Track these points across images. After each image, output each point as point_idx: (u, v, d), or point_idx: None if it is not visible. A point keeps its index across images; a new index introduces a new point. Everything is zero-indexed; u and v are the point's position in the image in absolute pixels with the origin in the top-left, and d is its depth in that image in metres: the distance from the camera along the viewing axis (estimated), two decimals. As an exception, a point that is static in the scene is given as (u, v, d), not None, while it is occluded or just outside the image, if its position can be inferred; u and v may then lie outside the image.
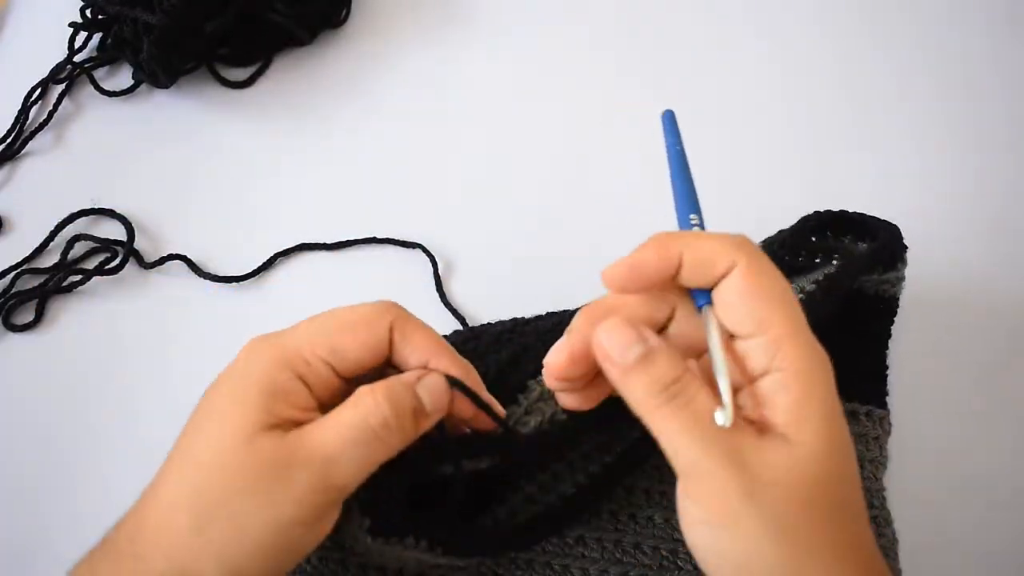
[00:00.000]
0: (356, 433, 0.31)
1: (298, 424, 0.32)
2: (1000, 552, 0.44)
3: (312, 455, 0.31)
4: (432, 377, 0.34)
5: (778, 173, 0.57)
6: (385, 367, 0.35)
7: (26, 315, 0.52)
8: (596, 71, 0.62)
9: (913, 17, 0.64)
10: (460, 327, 0.50)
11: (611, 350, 0.31)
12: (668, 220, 0.54)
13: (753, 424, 0.30)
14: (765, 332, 0.30)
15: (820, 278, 0.41)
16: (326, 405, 0.33)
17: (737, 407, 0.30)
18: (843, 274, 0.41)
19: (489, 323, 0.47)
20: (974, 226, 0.54)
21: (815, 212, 0.45)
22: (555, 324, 0.44)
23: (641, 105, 0.60)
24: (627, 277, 0.32)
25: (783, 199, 0.55)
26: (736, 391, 0.30)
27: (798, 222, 0.45)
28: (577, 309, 0.46)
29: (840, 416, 0.30)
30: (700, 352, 0.33)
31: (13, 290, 0.52)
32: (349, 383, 0.34)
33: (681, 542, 0.41)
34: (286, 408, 0.32)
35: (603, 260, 0.51)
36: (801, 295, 0.41)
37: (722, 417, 0.29)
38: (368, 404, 0.31)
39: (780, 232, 0.45)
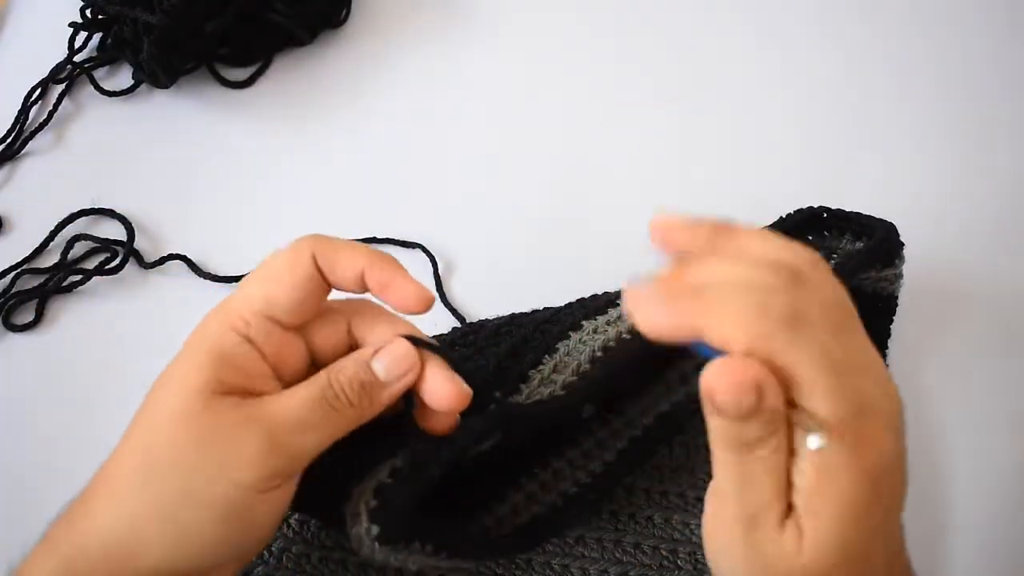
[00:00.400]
0: (311, 404, 0.31)
1: (258, 393, 0.32)
2: (1004, 552, 0.44)
3: (265, 419, 0.31)
4: (393, 345, 0.33)
5: (778, 171, 0.57)
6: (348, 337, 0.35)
7: (26, 315, 0.52)
8: (596, 70, 0.62)
9: (914, 16, 0.64)
10: (460, 326, 0.50)
11: (724, 391, 0.26)
12: (668, 220, 0.54)
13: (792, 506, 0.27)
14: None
15: None
16: (286, 377, 0.33)
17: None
18: (841, 272, 0.41)
19: (486, 319, 0.47)
20: (975, 225, 0.54)
21: (799, 209, 0.44)
22: (552, 315, 0.44)
23: (642, 104, 0.60)
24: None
25: (783, 197, 0.55)
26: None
27: (781, 220, 0.45)
28: (573, 302, 0.46)
29: (866, 515, 0.26)
30: None
31: (13, 290, 0.52)
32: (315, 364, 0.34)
33: (680, 542, 0.41)
34: (238, 375, 0.32)
35: (603, 260, 0.52)
36: None
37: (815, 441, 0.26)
38: (322, 378, 0.32)
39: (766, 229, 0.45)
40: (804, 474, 0.26)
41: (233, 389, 0.31)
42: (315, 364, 0.34)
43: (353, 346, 0.35)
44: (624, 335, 0.40)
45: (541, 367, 0.40)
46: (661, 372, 0.42)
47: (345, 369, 0.33)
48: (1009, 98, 0.60)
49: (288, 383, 0.33)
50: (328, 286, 0.34)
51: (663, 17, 0.65)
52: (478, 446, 0.35)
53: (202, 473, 0.30)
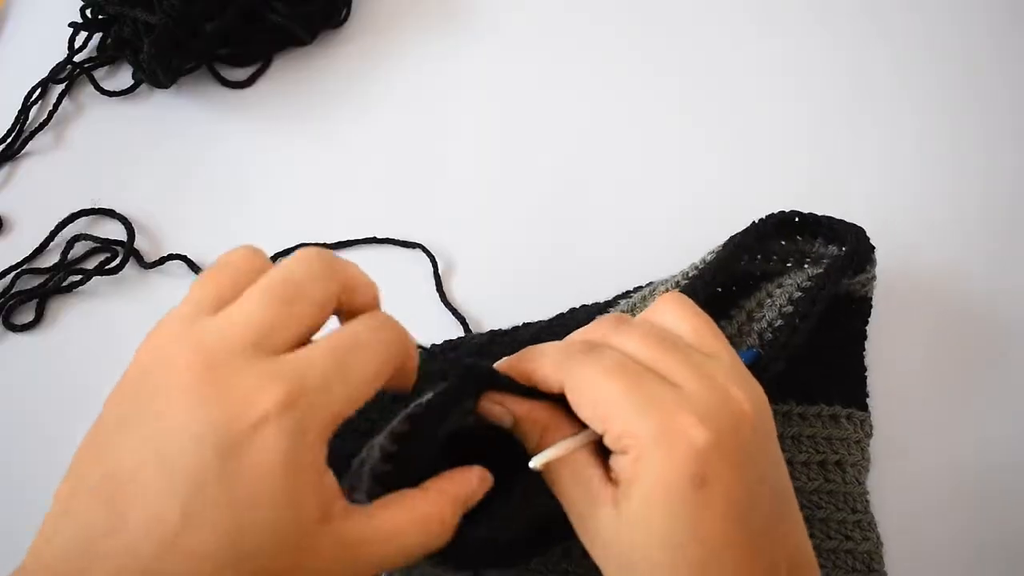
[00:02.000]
0: (406, 555, 0.30)
1: (329, 499, 0.28)
2: (986, 554, 0.44)
3: (359, 565, 0.29)
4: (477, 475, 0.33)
5: (779, 171, 0.57)
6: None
7: (26, 315, 0.52)
8: (597, 70, 0.62)
9: (915, 16, 0.64)
10: (461, 328, 0.50)
11: (493, 419, 0.34)
12: (668, 220, 0.54)
13: (608, 488, 0.31)
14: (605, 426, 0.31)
15: (805, 284, 0.42)
16: None
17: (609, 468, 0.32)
18: (816, 293, 0.42)
19: (467, 335, 0.47)
20: (968, 224, 0.54)
21: (771, 214, 0.45)
22: (533, 335, 0.45)
23: (643, 104, 0.60)
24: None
25: (784, 197, 0.55)
26: None
27: (754, 224, 0.45)
28: (568, 312, 0.46)
29: (681, 501, 0.29)
30: None
31: (13, 290, 0.52)
32: None
33: None
34: (324, 484, 0.28)
35: (604, 259, 0.52)
36: (788, 306, 0.41)
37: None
38: (433, 531, 0.30)
39: (733, 237, 0.44)
40: (620, 465, 0.31)
41: (323, 494, 0.28)
42: None
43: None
44: None
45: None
46: None
47: (457, 515, 0.32)
48: (1010, 98, 0.59)
49: None
50: None
51: (663, 17, 0.65)
52: (456, 403, 0.34)
53: None
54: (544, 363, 0.33)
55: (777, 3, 0.65)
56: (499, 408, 0.34)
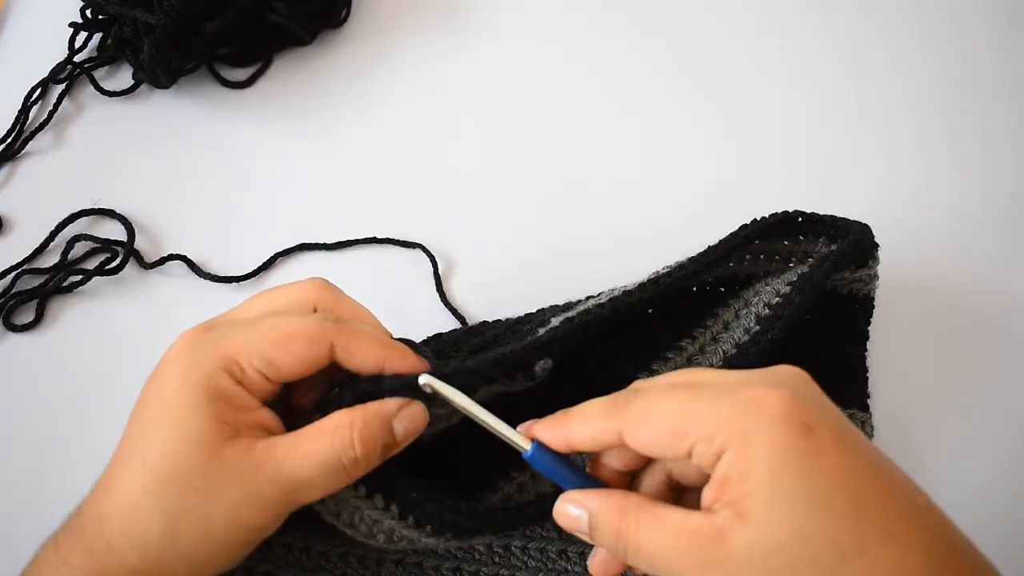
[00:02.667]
0: (327, 465, 0.33)
1: (257, 425, 0.33)
2: (988, 555, 0.44)
3: (281, 475, 0.32)
4: (413, 408, 0.34)
5: (779, 171, 0.57)
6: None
7: (26, 315, 0.52)
8: (597, 70, 0.62)
9: (915, 16, 0.64)
10: (459, 327, 0.50)
11: (570, 528, 0.33)
12: (668, 220, 0.54)
13: (724, 511, 0.29)
14: (682, 442, 0.30)
15: (794, 279, 0.41)
16: (267, 398, 0.34)
17: (705, 509, 0.30)
18: (815, 272, 0.41)
19: (441, 332, 0.47)
20: (969, 224, 0.54)
21: (774, 213, 0.44)
22: (516, 320, 0.45)
23: (643, 104, 0.60)
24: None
25: (784, 197, 0.55)
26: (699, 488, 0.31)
27: (754, 222, 0.44)
28: (536, 311, 0.46)
29: (800, 440, 0.29)
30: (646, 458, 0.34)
31: (13, 290, 0.52)
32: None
33: None
34: (233, 411, 0.33)
35: (604, 260, 0.52)
36: (777, 298, 0.41)
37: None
38: (344, 439, 0.33)
39: (724, 240, 0.44)
40: (723, 472, 0.29)
41: (234, 427, 0.33)
42: (269, 379, 0.34)
43: (314, 364, 0.35)
44: (583, 309, 0.41)
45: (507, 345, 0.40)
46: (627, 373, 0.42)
47: (371, 427, 0.33)
48: (1010, 97, 0.59)
49: (258, 395, 0.34)
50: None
51: (663, 17, 0.65)
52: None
53: (220, 521, 0.32)
54: (591, 419, 0.32)
55: (777, 3, 0.65)
56: (572, 506, 0.33)
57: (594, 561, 0.34)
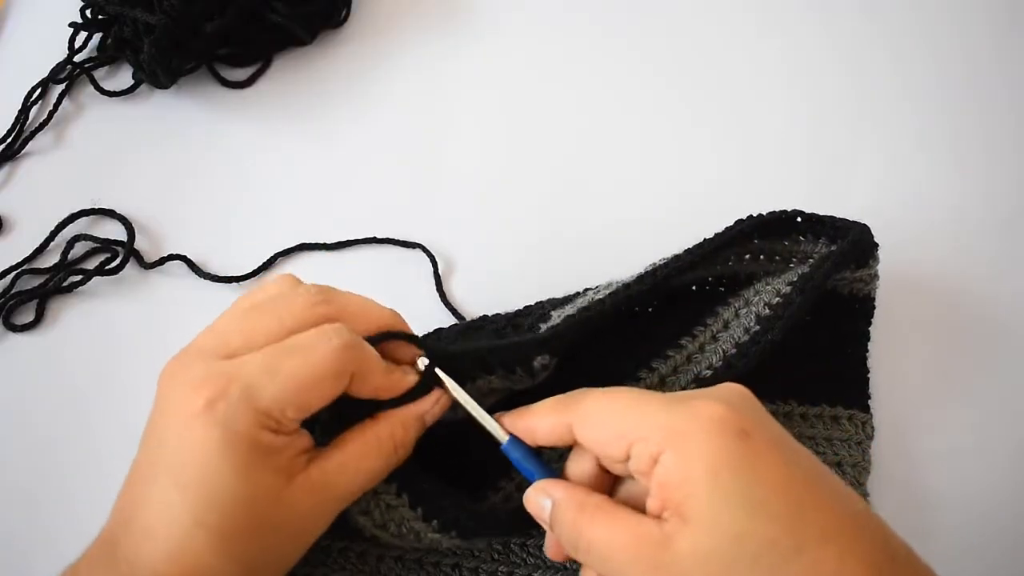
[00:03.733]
0: (376, 476, 0.35)
1: (300, 450, 0.34)
2: (988, 556, 0.44)
3: (337, 495, 0.35)
4: (443, 399, 0.37)
5: (779, 171, 0.57)
6: None
7: (26, 315, 0.52)
8: (597, 70, 0.62)
9: (915, 16, 0.64)
10: (461, 322, 0.50)
11: (535, 514, 0.35)
12: (668, 220, 0.54)
13: (671, 517, 0.30)
14: (628, 445, 0.32)
15: (795, 279, 0.41)
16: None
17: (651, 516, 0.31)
18: (815, 272, 0.41)
19: (441, 328, 0.46)
20: (969, 224, 0.54)
21: (772, 211, 0.44)
22: (517, 313, 0.45)
23: (643, 104, 0.60)
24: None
25: (784, 197, 0.55)
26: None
27: (751, 218, 0.44)
28: (535, 304, 0.46)
29: (738, 443, 0.30)
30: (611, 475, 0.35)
31: (13, 290, 0.52)
32: None
33: None
34: (279, 457, 0.33)
35: (603, 259, 0.52)
36: (778, 298, 0.41)
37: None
38: (387, 449, 0.35)
39: (716, 235, 0.44)
40: (664, 477, 0.30)
41: (288, 471, 0.33)
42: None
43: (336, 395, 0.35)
44: (583, 305, 0.41)
45: (508, 339, 0.41)
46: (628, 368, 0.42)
47: (410, 432, 0.36)
48: (1010, 97, 0.59)
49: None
50: None
51: (663, 17, 0.65)
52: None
53: (289, 548, 0.34)
54: (546, 414, 0.35)
55: (777, 3, 0.65)
56: (538, 493, 0.34)
57: (548, 543, 0.36)
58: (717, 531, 0.28)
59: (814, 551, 0.28)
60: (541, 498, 0.34)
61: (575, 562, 0.39)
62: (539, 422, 0.35)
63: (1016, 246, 0.53)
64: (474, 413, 0.36)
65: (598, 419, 0.33)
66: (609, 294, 0.41)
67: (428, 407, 0.36)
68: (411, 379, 0.36)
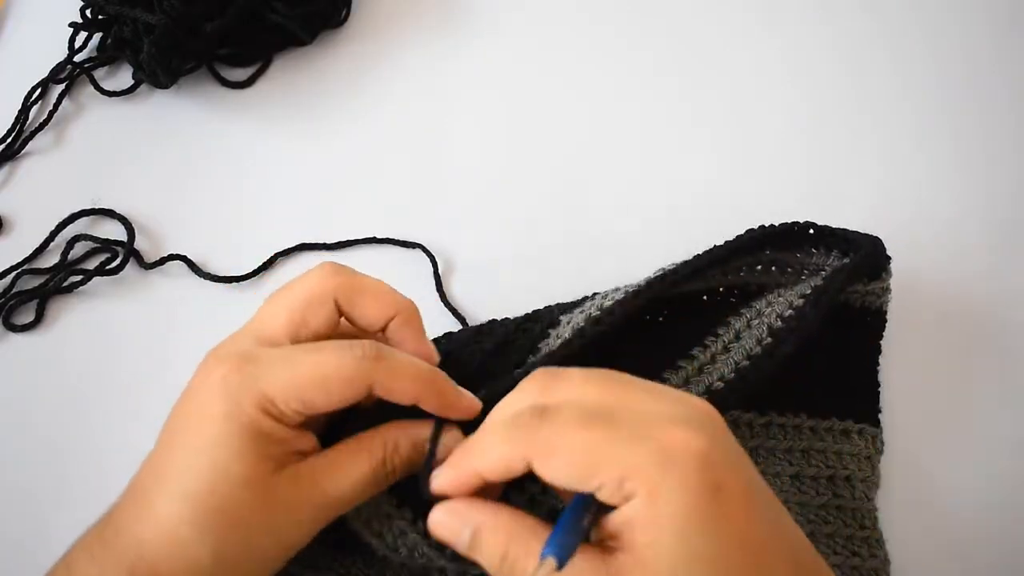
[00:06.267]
0: (364, 485, 0.34)
1: (298, 452, 0.34)
2: (999, 573, 0.43)
3: (324, 498, 0.34)
4: (450, 438, 0.35)
5: (779, 174, 0.57)
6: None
7: (26, 315, 0.52)
8: (597, 70, 0.62)
9: (915, 17, 0.64)
10: (461, 327, 0.50)
11: (446, 541, 0.32)
12: (668, 220, 0.54)
13: (624, 555, 0.29)
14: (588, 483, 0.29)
15: (807, 291, 0.41)
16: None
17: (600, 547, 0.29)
18: (828, 285, 0.41)
19: (451, 332, 0.46)
20: (974, 235, 0.53)
21: (784, 223, 0.44)
22: (525, 318, 0.45)
23: (643, 104, 0.60)
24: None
25: (784, 196, 0.55)
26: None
27: (763, 228, 0.44)
28: (543, 309, 0.46)
29: (710, 502, 0.28)
30: None
31: (13, 290, 0.52)
32: None
33: None
34: (277, 447, 0.33)
35: (603, 259, 0.52)
36: (790, 310, 0.41)
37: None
38: (376, 456, 0.34)
39: (717, 247, 0.44)
40: (627, 516, 0.28)
41: (279, 461, 0.33)
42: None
43: (351, 401, 0.35)
44: (593, 314, 0.40)
45: (526, 366, 0.40)
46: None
47: (401, 450, 0.35)
48: (1010, 98, 0.59)
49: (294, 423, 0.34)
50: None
51: (663, 17, 0.65)
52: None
53: (266, 542, 0.33)
54: (495, 446, 0.31)
55: (778, 3, 0.65)
56: (453, 518, 0.31)
57: (441, 479, 0.33)
58: (688, 569, 0.28)
59: None
60: (456, 523, 0.31)
61: None
62: (488, 458, 0.31)
63: (1018, 249, 0.53)
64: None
65: (564, 456, 0.29)
66: (618, 302, 0.41)
67: (425, 435, 0.35)
68: (450, 390, 0.35)
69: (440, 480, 0.32)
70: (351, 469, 0.34)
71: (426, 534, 0.34)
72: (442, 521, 0.32)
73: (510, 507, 0.31)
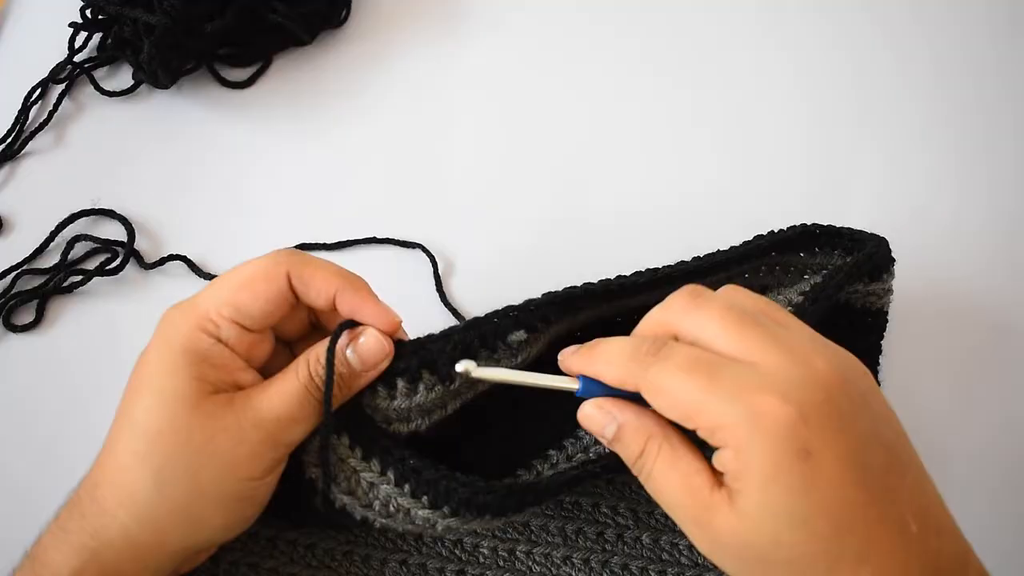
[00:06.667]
0: (297, 399, 0.35)
1: (238, 386, 0.35)
2: (1005, 564, 0.43)
3: (261, 417, 0.34)
4: (366, 338, 0.36)
5: (779, 175, 0.57)
6: (310, 314, 0.39)
7: (26, 315, 0.52)
8: (596, 71, 0.62)
9: (916, 18, 0.64)
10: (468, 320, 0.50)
11: (593, 431, 0.34)
12: (668, 220, 0.54)
13: (722, 490, 0.31)
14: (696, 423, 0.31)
15: (807, 289, 0.41)
16: (261, 363, 0.37)
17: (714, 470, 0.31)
18: (828, 283, 0.41)
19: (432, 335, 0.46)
20: (974, 235, 0.54)
21: (792, 226, 0.44)
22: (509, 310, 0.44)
23: (643, 104, 0.60)
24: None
25: (784, 196, 0.55)
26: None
27: (771, 234, 0.44)
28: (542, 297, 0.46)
29: (788, 473, 0.29)
30: None
31: (13, 290, 0.52)
32: (287, 342, 0.39)
33: (669, 563, 0.42)
34: (214, 371, 0.34)
35: (603, 259, 0.52)
36: (790, 308, 0.41)
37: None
38: (302, 371, 0.35)
39: (732, 248, 0.44)
40: (722, 462, 0.30)
41: (215, 385, 0.34)
42: (246, 327, 0.36)
43: (315, 323, 0.38)
44: (571, 286, 0.40)
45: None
46: None
47: (323, 359, 0.35)
48: (1011, 98, 0.59)
49: (261, 367, 0.36)
50: (297, 302, 0.36)
51: (663, 17, 0.65)
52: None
53: (209, 473, 0.33)
54: (614, 367, 0.33)
55: (779, 4, 0.65)
56: (602, 414, 0.34)
57: (573, 358, 0.35)
58: (757, 530, 0.30)
59: (846, 570, 0.29)
60: (604, 417, 0.34)
61: (587, 574, 0.40)
62: (607, 371, 0.34)
63: (1018, 249, 0.53)
64: (535, 382, 0.35)
65: (667, 399, 0.31)
66: (600, 280, 0.41)
67: (344, 341, 0.36)
68: (366, 288, 0.37)
69: (572, 359, 0.35)
70: (281, 386, 0.35)
71: (397, 483, 0.35)
72: (591, 415, 0.34)
73: (653, 412, 0.33)
